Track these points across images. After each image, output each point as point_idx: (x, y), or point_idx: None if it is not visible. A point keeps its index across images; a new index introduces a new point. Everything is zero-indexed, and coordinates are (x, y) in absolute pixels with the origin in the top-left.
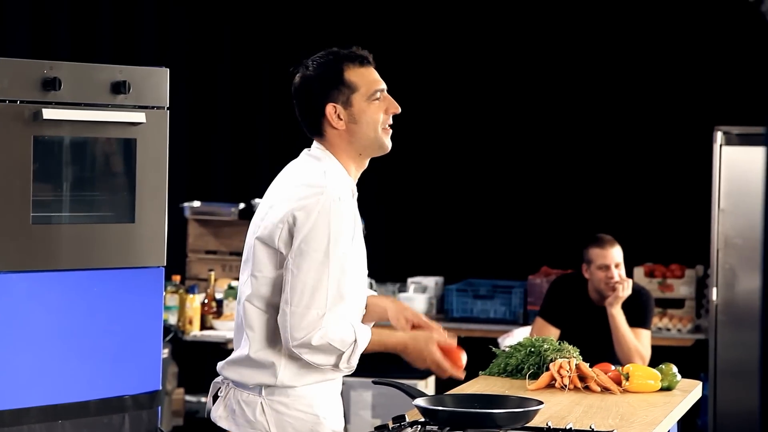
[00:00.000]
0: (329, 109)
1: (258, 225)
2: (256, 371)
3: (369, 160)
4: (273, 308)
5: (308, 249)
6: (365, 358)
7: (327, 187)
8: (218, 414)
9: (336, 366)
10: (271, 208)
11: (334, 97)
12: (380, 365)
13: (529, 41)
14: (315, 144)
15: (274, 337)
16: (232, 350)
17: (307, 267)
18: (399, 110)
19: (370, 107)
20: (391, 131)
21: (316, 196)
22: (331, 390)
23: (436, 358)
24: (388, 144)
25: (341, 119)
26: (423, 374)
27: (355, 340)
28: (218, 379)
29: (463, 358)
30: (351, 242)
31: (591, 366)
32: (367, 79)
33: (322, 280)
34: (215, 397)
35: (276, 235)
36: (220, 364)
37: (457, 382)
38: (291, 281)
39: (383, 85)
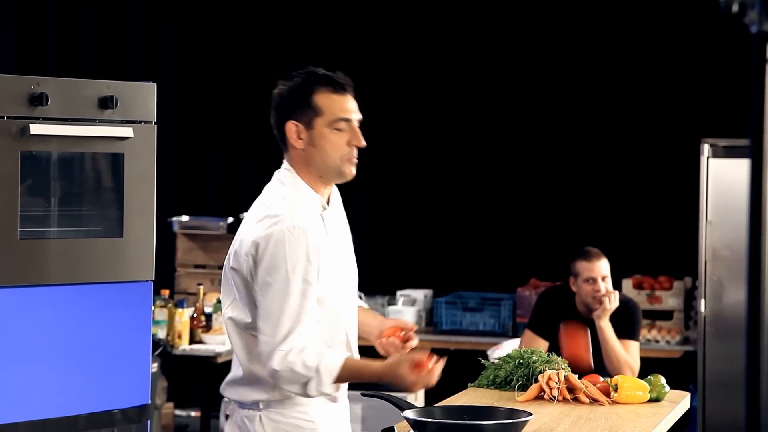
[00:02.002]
0: (290, 125)
1: (231, 255)
2: (251, 389)
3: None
4: (254, 330)
5: (269, 279)
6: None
7: (281, 216)
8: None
9: (305, 394)
10: (241, 241)
11: (297, 116)
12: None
13: (519, 53)
14: (284, 162)
15: (260, 355)
16: (220, 364)
17: (270, 296)
18: (362, 144)
19: (330, 135)
20: (354, 162)
21: (272, 227)
22: (329, 400)
23: (412, 379)
24: (349, 174)
25: (301, 139)
26: None
27: (318, 368)
28: (225, 399)
29: (434, 363)
30: (315, 266)
31: (580, 378)
32: (336, 106)
33: (284, 310)
34: (227, 417)
35: (244, 266)
36: (222, 386)
37: (447, 394)
38: (260, 311)
39: (351, 116)
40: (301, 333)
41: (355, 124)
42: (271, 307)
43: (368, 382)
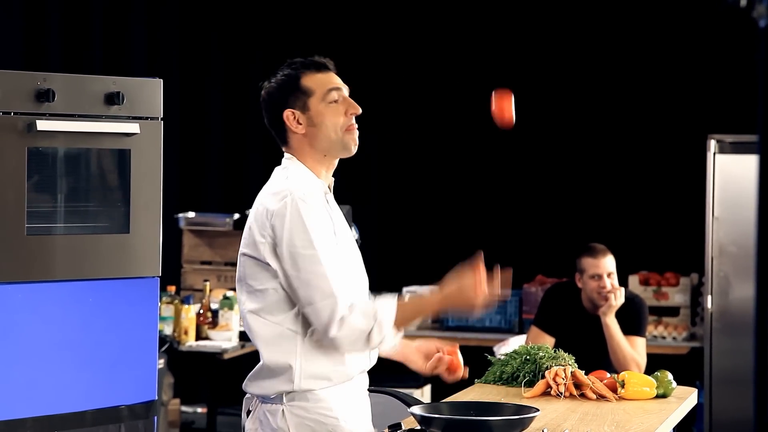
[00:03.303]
0: (287, 114)
1: (243, 242)
2: (274, 380)
3: (338, 160)
4: (275, 317)
5: (296, 250)
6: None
7: (290, 188)
8: (249, 427)
9: (370, 345)
10: (250, 227)
11: (292, 103)
12: (376, 374)
13: (523, 51)
14: (284, 156)
15: (282, 343)
16: (226, 361)
17: (303, 265)
18: (359, 111)
19: (328, 109)
20: (355, 131)
21: (283, 201)
22: (351, 392)
23: (476, 297)
24: (352, 144)
25: (300, 123)
26: (419, 382)
27: (375, 315)
28: (248, 395)
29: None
30: (333, 236)
31: (586, 374)
32: (323, 82)
33: (319, 271)
34: (248, 413)
35: (261, 250)
36: (244, 383)
37: (454, 390)
38: (296, 285)
39: (338, 85)
40: (343, 292)
41: (346, 93)
42: (307, 275)
43: (430, 313)
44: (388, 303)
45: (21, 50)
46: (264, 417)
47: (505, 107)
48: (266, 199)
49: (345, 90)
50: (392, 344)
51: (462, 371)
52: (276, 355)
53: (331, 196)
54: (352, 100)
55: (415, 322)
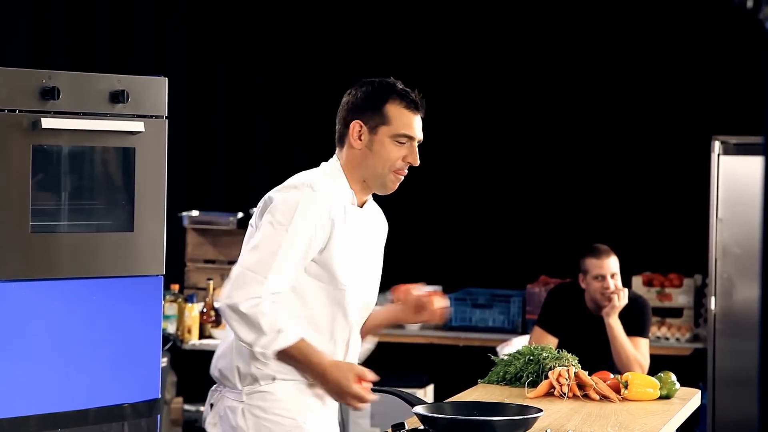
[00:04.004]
0: (355, 124)
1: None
2: (235, 357)
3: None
4: None
5: (269, 218)
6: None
7: (304, 181)
8: (209, 421)
9: (251, 346)
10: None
11: (365, 118)
12: (379, 373)
13: (528, 51)
14: (334, 155)
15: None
16: None
17: (263, 232)
18: (417, 163)
19: (390, 145)
20: (401, 179)
21: (292, 187)
22: (310, 393)
23: (354, 390)
24: (392, 187)
25: (361, 140)
26: (422, 382)
27: (280, 330)
28: (213, 387)
29: (438, 303)
30: (320, 234)
31: (589, 375)
32: (404, 120)
33: (270, 246)
34: (212, 406)
35: (255, 217)
36: (211, 366)
37: (457, 390)
38: (248, 242)
39: (414, 135)
40: (274, 282)
41: (416, 143)
42: (261, 243)
43: (309, 370)
44: (294, 333)
45: (26, 48)
46: (224, 412)
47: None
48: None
49: (418, 138)
50: (260, 366)
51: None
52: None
53: (354, 209)
54: (416, 151)
55: (292, 365)
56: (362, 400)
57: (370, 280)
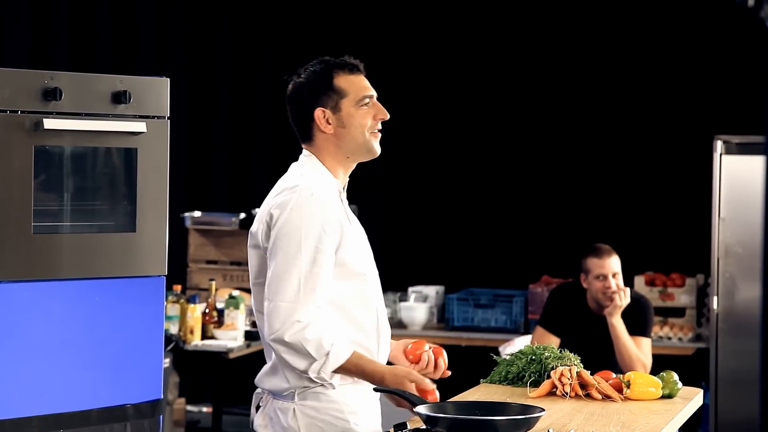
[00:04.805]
0: (318, 113)
1: (250, 235)
2: (284, 378)
3: (357, 164)
4: None
5: (281, 243)
6: None
7: (300, 184)
8: (258, 423)
9: (305, 372)
10: (258, 217)
11: (323, 102)
12: None
13: (529, 50)
14: (303, 152)
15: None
16: (232, 360)
17: (279, 259)
18: (387, 116)
19: (359, 112)
20: (379, 136)
21: (290, 194)
22: (363, 394)
23: (409, 379)
24: (377, 148)
25: (330, 123)
26: None
27: (328, 353)
28: (258, 390)
29: (445, 358)
30: (332, 237)
31: (592, 374)
32: (356, 85)
33: (292, 272)
34: (258, 408)
35: (259, 236)
36: (257, 378)
37: (459, 390)
38: (269, 276)
39: (372, 92)
40: (309, 303)
41: (375, 99)
42: (278, 270)
43: (368, 379)
44: (344, 349)
45: (28, 48)
46: (274, 414)
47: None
48: (277, 192)
49: (375, 95)
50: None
51: (443, 371)
52: None
53: (344, 196)
54: (381, 106)
55: (356, 377)
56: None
57: (372, 258)
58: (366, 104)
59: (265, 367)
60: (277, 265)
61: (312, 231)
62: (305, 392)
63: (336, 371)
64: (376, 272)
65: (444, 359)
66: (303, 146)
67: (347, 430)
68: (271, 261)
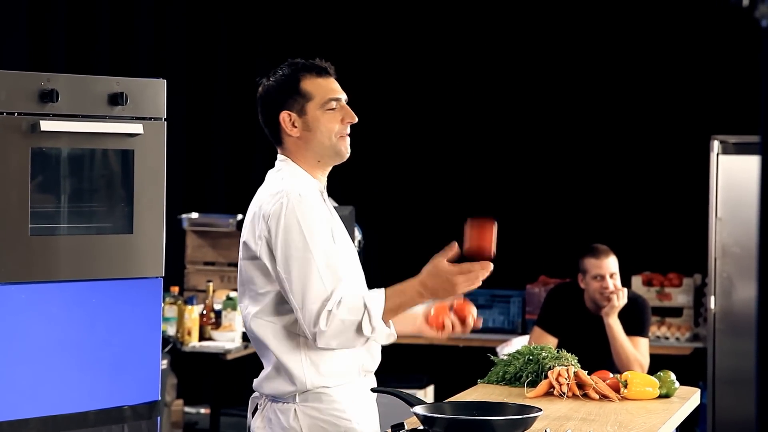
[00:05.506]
0: (283, 116)
1: (241, 245)
2: (287, 381)
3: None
4: (279, 318)
5: (289, 252)
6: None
7: (286, 189)
8: (256, 425)
9: (361, 334)
10: (247, 230)
11: (289, 105)
12: (379, 374)
13: (527, 51)
14: (278, 157)
15: (290, 344)
16: (229, 361)
17: (295, 267)
18: (355, 120)
19: (324, 116)
20: (348, 139)
21: (278, 201)
22: (363, 393)
23: (458, 280)
24: (345, 151)
25: (295, 127)
26: (422, 383)
27: (364, 304)
28: (256, 394)
29: (473, 312)
30: (329, 233)
31: (589, 374)
32: (323, 88)
33: (312, 273)
34: (254, 412)
35: (258, 252)
36: (255, 383)
37: (456, 390)
38: (289, 287)
39: (340, 95)
40: (334, 291)
41: (344, 102)
42: (298, 278)
43: (416, 302)
44: (376, 294)
45: (25, 50)
46: (274, 415)
47: (485, 244)
48: (262, 201)
49: (344, 98)
50: (388, 337)
51: (473, 325)
52: (284, 356)
53: (326, 196)
54: (350, 109)
55: (403, 309)
56: (472, 282)
57: (357, 258)
58: (332, 108)
59: (264, 372)
60: (296, 275)
61: (314, 228)
62: (307, 393)
63: (385, 319)
64: (362, 273)
65: (471, 313)
66: (278, 150)
67: (350, 429)
68: (287, 273)
